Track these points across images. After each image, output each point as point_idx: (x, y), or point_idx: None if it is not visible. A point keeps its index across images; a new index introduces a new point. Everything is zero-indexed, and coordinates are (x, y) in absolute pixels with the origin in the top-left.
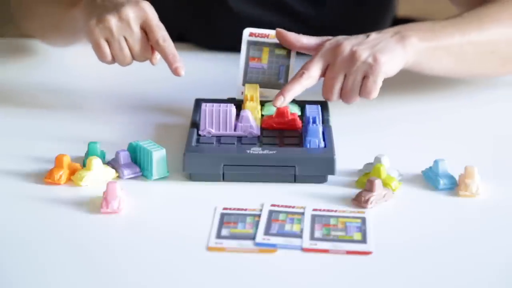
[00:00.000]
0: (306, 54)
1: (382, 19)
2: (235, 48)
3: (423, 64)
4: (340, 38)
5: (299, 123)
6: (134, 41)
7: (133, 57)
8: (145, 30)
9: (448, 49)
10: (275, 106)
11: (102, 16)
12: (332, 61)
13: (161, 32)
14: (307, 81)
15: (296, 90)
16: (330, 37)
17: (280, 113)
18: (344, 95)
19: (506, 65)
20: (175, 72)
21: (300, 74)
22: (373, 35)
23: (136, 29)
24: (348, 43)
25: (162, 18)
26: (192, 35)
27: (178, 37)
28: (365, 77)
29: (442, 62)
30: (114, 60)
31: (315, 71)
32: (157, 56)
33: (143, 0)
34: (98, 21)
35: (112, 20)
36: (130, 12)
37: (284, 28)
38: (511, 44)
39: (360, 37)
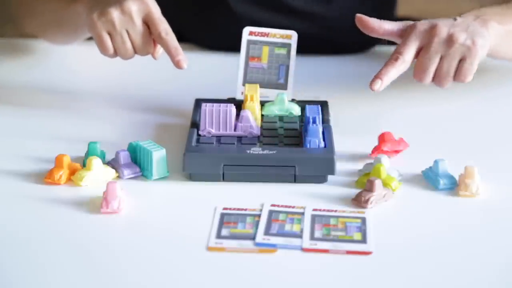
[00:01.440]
0: (306, 53)
1: (385, 17)
2: (234, 47)
3: (502, 47)
4: (432, 20)
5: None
6: (136, 34)
7: (135, 51)
8: (148, 24)
9: None
10: (372, 90)
11: (104, 9)
12: (427, 43)
13: (163, 25)
14: (402, 66)
15: (392, 74)
16: (411, 22)
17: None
18: (439, 78)
19: None
20: (177, 64)
21: (394, 58)
22: (459, 19)
23: (139, 22)
24: (444, 25)
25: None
26: (191, 34)
27: (178, 36)
28: (461, 60)
29: None
30: (116, 53)
31: (409, 54)
32: (160, 50)
33: None
34: (100, 14)
35: (115, 13)
36: (132, 6)
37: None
38: None
39: (449, 20)
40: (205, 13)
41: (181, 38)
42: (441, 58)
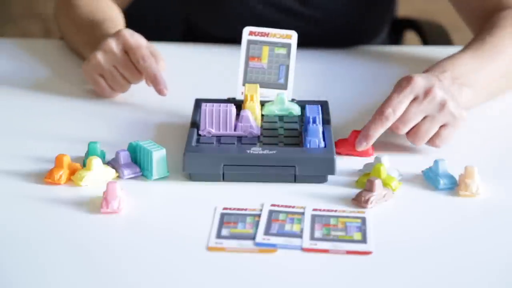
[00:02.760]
0: (306, 51)
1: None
2: (235, 39)
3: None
4: (427, 79)
5: (371, 149)
6: (122, 66)
7: (129, 81)
8: (128, 54)
9: (489, 89)
10: (357, 150)
11: (90, 55)
12: (418, 99)
13: (139, 52)
14: (391, 122)
15: (380, 132)
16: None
17: (354, 138)
18: (416, 135)
19: None
20: (160, 93)
21: (386, 116)
22: (444, 81)
23: (120, 54)
24: (439, 88)
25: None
26: (198, 18)
27: (184, 20)
28: (443, 126)
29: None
30: (113, 89)
31: (400, 110)
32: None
33: (123, 28)
34: (88, 61)
35: (98, 55)
36: (111, 42)
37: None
38: None
39: (437, 80)
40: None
41: (188, 25)
42: (424, 118)
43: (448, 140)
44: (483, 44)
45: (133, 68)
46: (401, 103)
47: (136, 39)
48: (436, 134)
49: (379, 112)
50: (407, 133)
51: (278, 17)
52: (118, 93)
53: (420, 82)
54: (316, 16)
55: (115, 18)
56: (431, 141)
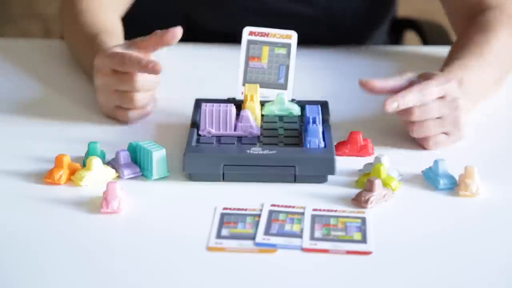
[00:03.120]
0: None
1: (383, 17)
2: (235, 34)
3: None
4: (457, 87)
5: (371, 148)
6: (118, 84)
7: (132, 90)
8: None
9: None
10: (387, 109)
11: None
12: (446, 100)
13: (121, 62)
14: (423, 101)
15: (411, 103)
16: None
17: (353, 139)
18: (422, 127)
19: None
20: (154, 71)
21: (424, 93)
22: (463, 97)
23: (110, 79)
24: (463, 100)
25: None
26: (198, 14)
27: (183, 18)
28: (445, 133)
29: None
30: (129, 109)
31: (430, 98)
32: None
33: (98, 52)
34: (100, 106)
35: (98, 97)
36: (97, 79)
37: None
38: None
39: (461, 93)
40: None
41: (188, 24)
42: (436, 118)
43: (440, 146)
44: (482, 55)
45: (126, 77)
46: (432, 94)
47: (111, 55)
48: (434, 137)
49: (419, 88)
50: (412, 122)
51: (278, 6)
52: (138, 111)
53: (455, 86)
54: (316, 14)
55: (111, 29)
56: (426, 140)
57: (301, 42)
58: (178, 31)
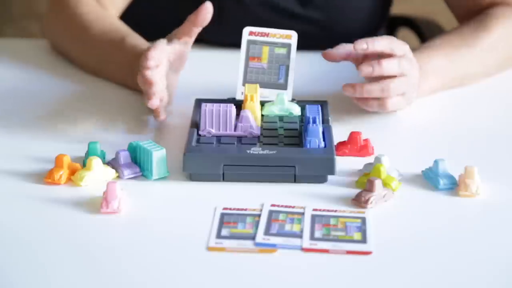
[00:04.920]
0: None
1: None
2: (238, 43)
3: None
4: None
5: (371, 148)
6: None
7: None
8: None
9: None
10: (356, 48)
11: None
12: (406, 57)
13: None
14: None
15: (380, 48)
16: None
17: (353, 139)
18: (384, 82)
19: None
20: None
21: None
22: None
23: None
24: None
25: (170, 5)
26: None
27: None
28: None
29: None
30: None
31: (398, 47)
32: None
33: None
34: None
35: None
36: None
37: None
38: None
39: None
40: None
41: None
42: (386, 77)
43: (396, 108)
44: (457, 46)
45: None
46: (398, 47)
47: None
48: (393, 97)
49: (389, 40)
50: (375, 79)
51: (277, 20)
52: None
53: (411, 53)
54: (315, 17)
55: (131, 32)
56: (383, 101)
57: (301, 47)
58: (209, 6)
